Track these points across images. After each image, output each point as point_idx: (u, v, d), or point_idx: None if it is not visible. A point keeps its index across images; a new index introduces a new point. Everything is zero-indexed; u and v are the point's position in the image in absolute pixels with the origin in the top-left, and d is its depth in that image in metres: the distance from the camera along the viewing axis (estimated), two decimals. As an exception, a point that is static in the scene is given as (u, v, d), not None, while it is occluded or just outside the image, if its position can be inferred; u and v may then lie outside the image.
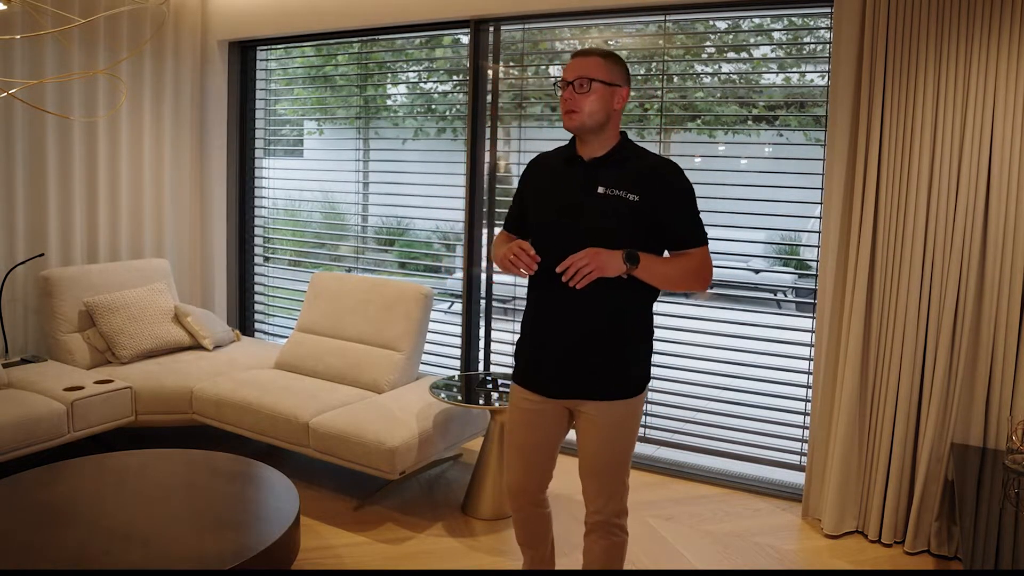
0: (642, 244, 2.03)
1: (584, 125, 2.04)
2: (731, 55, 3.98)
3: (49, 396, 3.37)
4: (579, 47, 4.45)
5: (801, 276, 8.39)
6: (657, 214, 2.03)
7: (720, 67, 4.43)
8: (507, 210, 2.40)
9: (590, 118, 2.03)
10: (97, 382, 3.51)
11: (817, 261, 3.30)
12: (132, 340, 3.90)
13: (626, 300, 2.08)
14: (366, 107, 4.89)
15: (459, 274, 4.61)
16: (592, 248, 1.96)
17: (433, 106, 5.53)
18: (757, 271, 8.21)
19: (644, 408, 2.29)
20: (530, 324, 2.20)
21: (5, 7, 3.05)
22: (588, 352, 2.09)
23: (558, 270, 1.95)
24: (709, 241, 2.14)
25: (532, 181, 2.25)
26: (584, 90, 2.01)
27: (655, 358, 3.87)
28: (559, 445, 2.28)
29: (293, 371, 3.90)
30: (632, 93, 4.22)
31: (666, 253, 2.13)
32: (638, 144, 2.15)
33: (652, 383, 3.93)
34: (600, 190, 2.05)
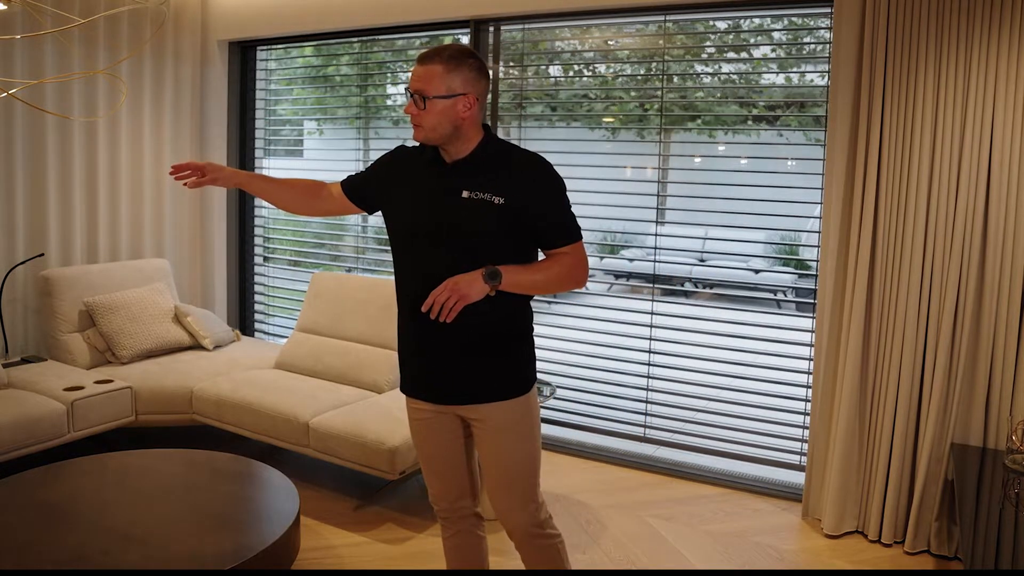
0: (514, 249, 1.94)
1: (429, 139, 1.94)
2: (731, 55, 3.99)
3: (49, 396, 3.37)
4: (579, 47, 4.45)
5: (801, 276, 8.39)
6: (525, 214, 1.91)
7: (720, 67, 4.43)
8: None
9: (433, 132, 1.92)
10: (97, 382, 3.51)
11: (817, 261, 3.30)
12: (132, 340, 3.91)
13: (497, 303, 1.95)
14: (366, 107, 4.89)
15: (459, 274, 4.60)
16: (451, 278, 1.87)
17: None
18: (757, 271, 8.21)
19: (540, 410, 2.08)
20: (404, 334, 2.09)
21: (5, 7, 3.05)
22: (466, 356, 2.00)
23: (423, 310, 1.88)
24: (584, 235, 2.03)
25: (393, 173, 2.10)
26: (421, 107, 1.89)
27: (657, 358, 3.93)
28: (467, 454, 2.17)
29: (293, 371, 3.90)
30: (632, 93, 4.23)
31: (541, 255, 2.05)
32: (505, 140, 2.05)
33: (652, 383, 3.95)
34: (464, 195, 1.92)
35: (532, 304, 2.12)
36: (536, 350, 2.14)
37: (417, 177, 2.03)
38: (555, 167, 1.99)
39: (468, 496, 2.21)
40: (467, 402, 2.03)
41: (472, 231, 1.92)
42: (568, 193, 2.00)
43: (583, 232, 2.04)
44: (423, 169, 2.03)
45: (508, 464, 2.06)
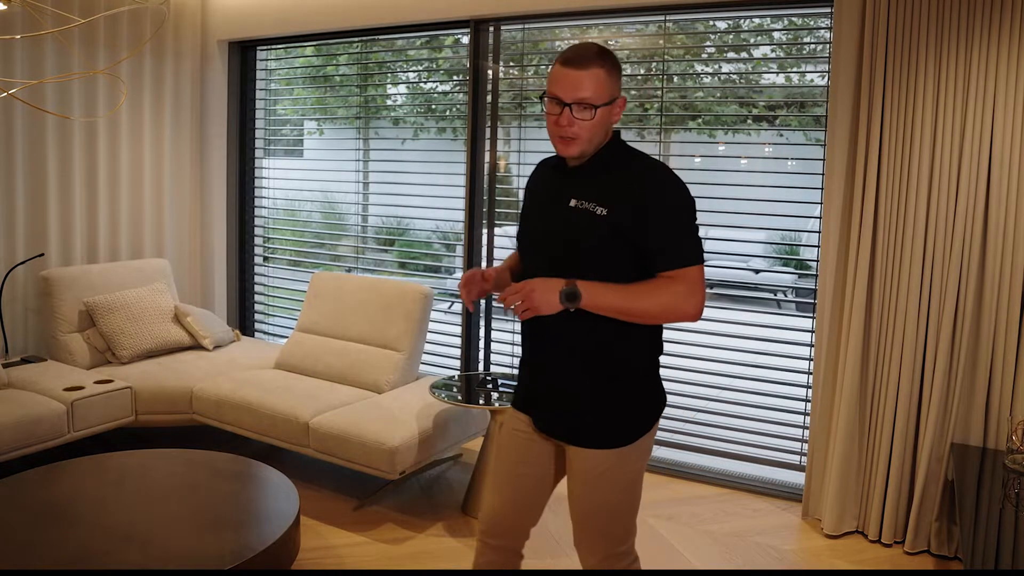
0: (619, 268, 1.76)
1: (586, 152, 1.78)
2: (731, 55, 3.99)
3: (49, 396, 3.37)
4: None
5: (801, 276, 8.39)
6: (630, 230, 1.72)
7: (720, 67, 4.43)
8: (508, 210, 2.30)
9: (590, 144, 1.76)
10: (97, 382, 3.51)
11: (817, 261, 3.30)
12: (132, 340, 3.91)
13: (609, 336, 1.80)
14: (366, 107, 4.90)
15: (459, 274, 4.61)
16: (529, 281, 1.71)
17: (433, 106, 5.53)
18: (757, 271, 8.21)
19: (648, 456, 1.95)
20: (525, 350, 1.99)
21: (5, 7, 3.05)
22: (569, 391, 1.85)
23: (495, 302, 1.76)
24: (707, 246, 1.85)
25: (529, 188, 2.03)
26: (588, 117, 1.71)
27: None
28: (549, 485, 2.01)
29: (293, 371, 3.90)
30: (632, 93, 4.23)
31: None
32: (632, 147, 1.86)
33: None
34: (572, 203, 1.78)
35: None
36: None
37: (545, 182, 1.94)
38: (679, 181, 1.77)
39: (519, 535, 2.03)
40: (564, 440, 1.90)
41: (574, 244, 1.77)
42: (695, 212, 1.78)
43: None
44: (550, 174, 1.93)
45: (589, 506, 1.91)
